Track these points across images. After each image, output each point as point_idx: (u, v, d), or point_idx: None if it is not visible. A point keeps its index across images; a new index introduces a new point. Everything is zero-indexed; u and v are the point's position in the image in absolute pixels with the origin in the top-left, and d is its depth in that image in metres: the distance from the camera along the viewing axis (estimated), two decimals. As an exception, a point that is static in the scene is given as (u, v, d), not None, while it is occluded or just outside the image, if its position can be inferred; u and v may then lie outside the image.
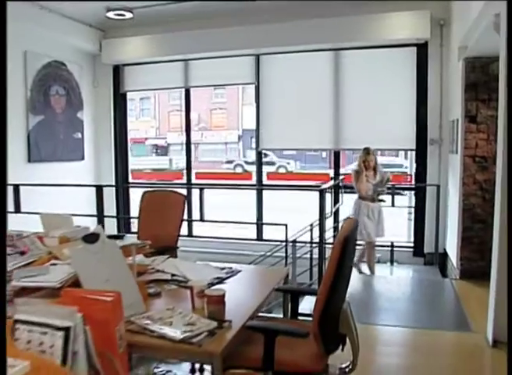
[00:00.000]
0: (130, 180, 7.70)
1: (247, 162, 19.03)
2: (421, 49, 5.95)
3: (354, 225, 1.98)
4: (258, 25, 6.22)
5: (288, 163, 18.71)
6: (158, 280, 2.39)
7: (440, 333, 3.69)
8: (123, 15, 6.47)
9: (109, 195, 7.06)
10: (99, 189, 5.37)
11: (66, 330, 1.47)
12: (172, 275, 2.44)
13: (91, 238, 1.94)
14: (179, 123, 30.32)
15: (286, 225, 4.65)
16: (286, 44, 6.28)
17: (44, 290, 1.88)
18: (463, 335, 3.63)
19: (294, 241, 5.05)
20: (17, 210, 5.07)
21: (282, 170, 17.81)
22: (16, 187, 5.16)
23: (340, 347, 2.02)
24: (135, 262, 2.20)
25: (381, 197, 5.59)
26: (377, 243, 5.72)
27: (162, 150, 29.36)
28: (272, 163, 16.97)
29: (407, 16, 5.75)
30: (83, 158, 7.24)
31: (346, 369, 2.02)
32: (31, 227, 3.16)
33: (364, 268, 5.70)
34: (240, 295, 2.20)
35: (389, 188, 5.76)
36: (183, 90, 7.34)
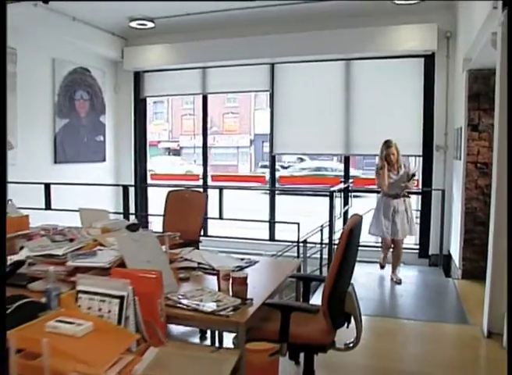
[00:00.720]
0: (149, 181, 8.05)
1: (282, 167, 19.33)
2: (429, 60, 6.24)
3: (359, 220, 2.30)
4: (273, 35, 6.54)
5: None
6: (186, 267, 2.71)
7: (441, 325, 4.01)
8: (145, 24, 6.84)
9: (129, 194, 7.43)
10: (125, 188, 5.73)
11: (121, 298, 1.81)
12: (199, 263, 2.77)
13: (133, 227, 2.28)
14: (191, 126, 30.76)
15: (299, 223, 4.95)
16: (299, 54, 6.60)
17: (94, 270, 2.21)
18: (461, 327, 3.95)
19: (305, 241, 5.36)
20: (48, 207, 5.43)
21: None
22: (47, 186, 5.54)
23: (346, 324, 2.33)
24: (168, 250, 2.53)
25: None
26: (404, 245, 5.49)
27: (175, 153, 29.81)
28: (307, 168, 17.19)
29: (416, 28, 6.05)
30: (104, 160, 7.61)
31: (351, 345, 2.34)
32: (61, 222, 3.51)
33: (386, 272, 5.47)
34: (259, 280, 2.51)
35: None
36: (200, 95, 7.67)
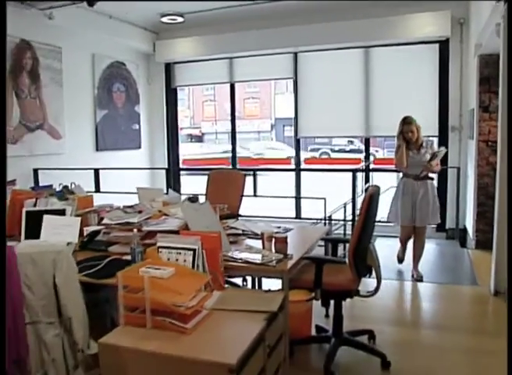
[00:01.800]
0: (181, 165, 8.60)
1: (333, 150, 19.62)
2: (443, 46, 6.62)
3: (377, 189, 2.80)
4: (296, 26, 6.98)
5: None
6: (233, 234, 3.24)
7: (456, 287, 4.54)
8: (175, 19, 7.33)
9: (162, 178, 8.01)
10: (168, 171, 6.32)
11: (194, 250, 2.35)
12: (243, 230, 3.30)
13: (193, 199, 2.82)
14: (212, 112, 31.23)
15: (325, 198, 5.42)
16: (321, 43, 7.03)
17: (164, 232, 2.74)
18: (473, 288, 4.48)
19: (330, 218, 5.84)
20: (97, 190, 6.03)
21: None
22: (96, 171, 6.15)
23: (368, 275, 2.85)
24: (218, 219, 3.06)
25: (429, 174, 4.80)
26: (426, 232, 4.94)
27: (197, 139, 30.34)
28: (359, 151, 17.46)
29: (430, 16, 6.42)
30: (139, 147, 8.18)
31: (372, 291, 2.86)
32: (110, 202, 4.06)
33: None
34: (295, 241, 3.02)
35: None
36: (226, 84, 8.15)
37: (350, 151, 18.80)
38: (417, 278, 4.74)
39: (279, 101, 29.30)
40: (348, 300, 2.95)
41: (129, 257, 2.66)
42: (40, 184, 5.66)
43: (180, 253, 2.36)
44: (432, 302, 4.22)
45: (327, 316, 3.56)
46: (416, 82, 6.87)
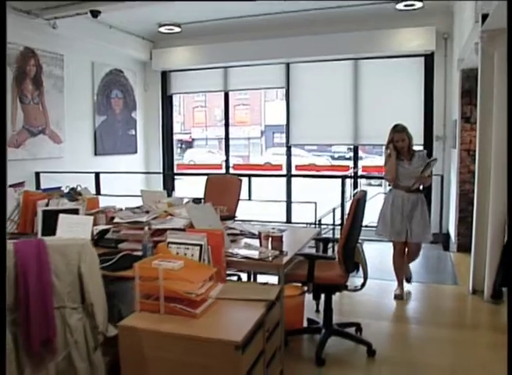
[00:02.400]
0: (175, 170, 8.85)
1: (333, 158, 19.59)
2: (428, 59, 6.97)
3: (364, 193, 3.10)
4: (288, 38, 7.30)
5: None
6: (231, 233, 3.51)
7: (438, 286, 4.86)
8: (172, 29, 7.61)
9: (157, 182, 8.28)
10: (167, 176, 6.56)
11: (200, 246, 2.61)
12: (240, 230, 3.57)
13: (197, 201, 3.09)
14: (203, 118, 31.48)
15: (316, 203, 5.71)
16: (312, 55, 7.35)
17: (171, 230, 3.01)
18: (453, 287, 4.82)
19: (320, 222, 6.12)
20: (98, 193, 6.28)
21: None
22: (97, 175, 6.40)
23: (356, 271, 3.15)
24: (219, 219, 3.34)
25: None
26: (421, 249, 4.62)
27: (187, 145, 30.55)
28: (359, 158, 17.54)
29: (416, 30, 6.77)
30: (136, 152, 8.43)
31: (359, 286, 3.15)
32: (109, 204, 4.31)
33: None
34: (289, 240, 3.29)
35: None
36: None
37: (350, 158, 18.99)
38: (406, 278, 4.66)
39: (269, 108, 29.62)
40: (337, 296, 3.26)
41: (138, 253, 2.93)
42: (42, 187, 5.90)
43: (188, 248, 2.63)
44: (415, 300, 4.51)
45: (317, 310, 3.84)
46: (402, 93, 7.21)
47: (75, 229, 3.07)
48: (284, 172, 8.40)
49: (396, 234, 4.36)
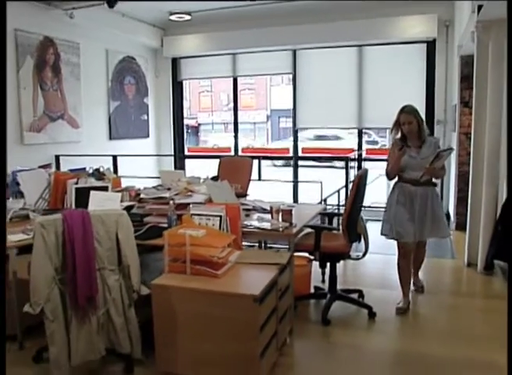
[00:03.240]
0: (186, 153, 9.20)
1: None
2: (430, 45, 7.23)
3: (366, 170, 3.43)
4: (295, 25, 7.57)
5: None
6: (245, 209, 3.85)
7: (436, 260, 5.16)
8: (183, 17, 7.89)
9: (167, 164, 8.62)
10: (182, 157, 6.92)
11: (220, 217, 2.96)
12: (253, 206, 3.91)
13: (215, 178, 3.42)
14: (209, 103, 31.70)
15: (321, 182, 6.01)
16: (318, 42, 7.62)
17: (193, 204, 3.36)
18: (450, 261, 5.18)
19: (325, 201, 6.44)
20: (115, 174, 6.62)
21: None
22: (114, 157, 6.75)
23: (358, 241, 3.49)
24: (235, 195, 3.68)
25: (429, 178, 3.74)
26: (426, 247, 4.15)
27: (193, 129, 30.83)
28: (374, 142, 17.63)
29: (419, 18, 7.02)
30: (148, 136, 8.77)
31: (360, 255, 3.50)
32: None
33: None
34: (298, 214, 3.63)
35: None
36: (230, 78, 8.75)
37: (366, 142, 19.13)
38: (418, 289, 4.17)
39: (274, 92, 29.77)
40: (341, 269, 3.62)
41: (162, 225, 3.28)
42: (62, 169, 6.25)
43: (209, 219, 2.98)
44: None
45: (323, 281, 4.19)
46: (405, 78, 7.48)
47: (104, 204, 3.42)
48: (291, 154, 8.71)
49: (403, 234, 3.67)
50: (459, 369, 2.88)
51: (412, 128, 3.73)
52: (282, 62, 8.12)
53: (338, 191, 6.80)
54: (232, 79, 8.67)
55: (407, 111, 3.78)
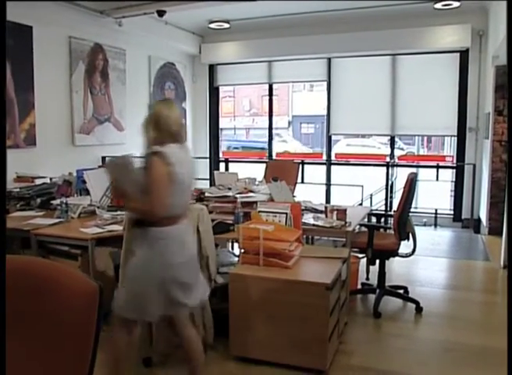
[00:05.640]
0: (221, 156, 9.49)
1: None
2: (464, 55, 7.44)
3: (415, 174, 3.67)
4: (330, 34, 7.83)
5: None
6: (297, 208, 4.11)
7: (471, 262, 5.42)
8: (222, 25, 8.20)
9: (203, 167, 8.91)
10: (226, 161, 7.22)
11: (286, 214, 3.22)
12: (305, 206, 4.17)
13: (276, 178, 3.70)
14: (231, 108, 32.04)
15: (362, 186, 6.26)
16: (352, 50, 7.87)
17: (260, 201, 3.62)
18: (485, 263, 5.39)
19: (371, 197, 6.66)
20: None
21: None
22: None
23: (407, 240, 3.74)
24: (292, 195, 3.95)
25: None
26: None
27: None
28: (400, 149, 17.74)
29: (452, 28, 7.23)
30: (185, 140, 9.05)
31: (409, 253, 3.75)
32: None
33: None
34: (350, 214, 3.87)
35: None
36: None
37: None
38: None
39: (296, 98, 29.98)
40: (386, 268, 3.85)
41: (228, 221, 3.55)
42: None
43: (276, 216, 3.25)
44: (452, 272, 5.12)
45: (367, 279, 4.43)
46: (438, 87, 7.69)
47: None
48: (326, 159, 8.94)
49: None
50: (499, 356, 3.11)
51: None
52: (317, 70, 8.38)
53: (371, 195, 7.05)
54: (267, 85, 8.94)
55: None
